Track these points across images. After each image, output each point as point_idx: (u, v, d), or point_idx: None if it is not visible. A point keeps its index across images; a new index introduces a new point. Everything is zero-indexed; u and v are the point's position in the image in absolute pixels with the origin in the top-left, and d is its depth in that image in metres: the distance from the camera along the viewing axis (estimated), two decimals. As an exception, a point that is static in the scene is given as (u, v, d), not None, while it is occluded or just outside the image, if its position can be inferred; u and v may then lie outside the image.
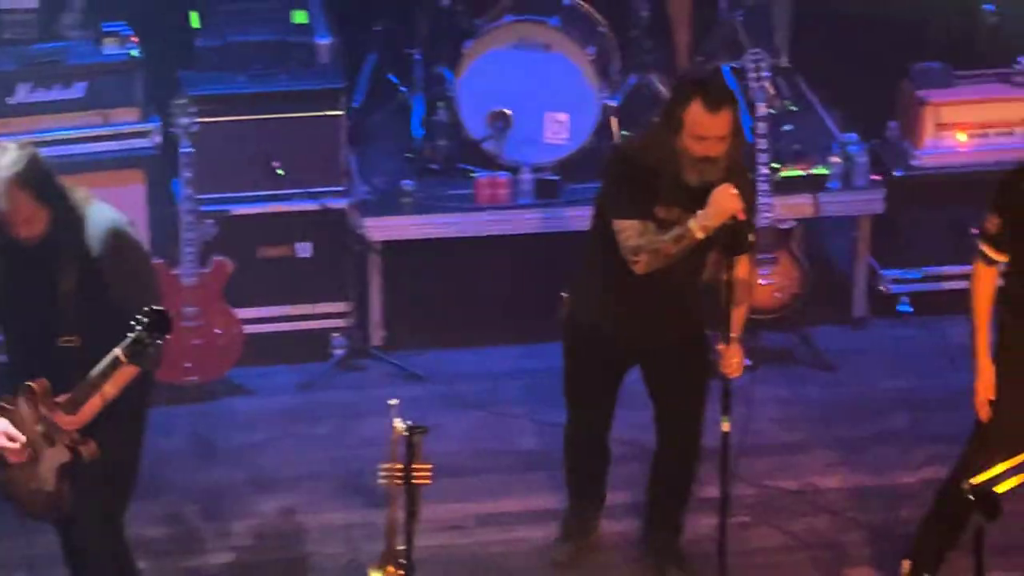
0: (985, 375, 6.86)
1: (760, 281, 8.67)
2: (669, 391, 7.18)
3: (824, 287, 9.19)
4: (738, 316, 6.90)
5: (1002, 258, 6.78)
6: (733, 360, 6.84)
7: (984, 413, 6.89)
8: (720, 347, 6.86)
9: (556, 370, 7.96)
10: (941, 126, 9.13)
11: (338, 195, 8.80)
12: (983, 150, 9.13)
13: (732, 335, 6.84)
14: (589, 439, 7.41)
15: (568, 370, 7.27)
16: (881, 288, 9.27)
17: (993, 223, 6.76)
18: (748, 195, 6.82)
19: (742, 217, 6.61)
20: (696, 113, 6.63)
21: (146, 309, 5.91)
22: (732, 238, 6.64)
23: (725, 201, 6.61)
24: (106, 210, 6.26)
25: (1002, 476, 6.12)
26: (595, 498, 7.57)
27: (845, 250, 9.44)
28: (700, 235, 6.66)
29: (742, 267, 6.84)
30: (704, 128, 6.63)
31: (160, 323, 5.92)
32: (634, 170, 6.80)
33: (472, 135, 9.08)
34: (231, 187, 8.75)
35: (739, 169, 6.91)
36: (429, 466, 6.49)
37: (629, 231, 6.74)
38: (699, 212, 6.63)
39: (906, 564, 7.28)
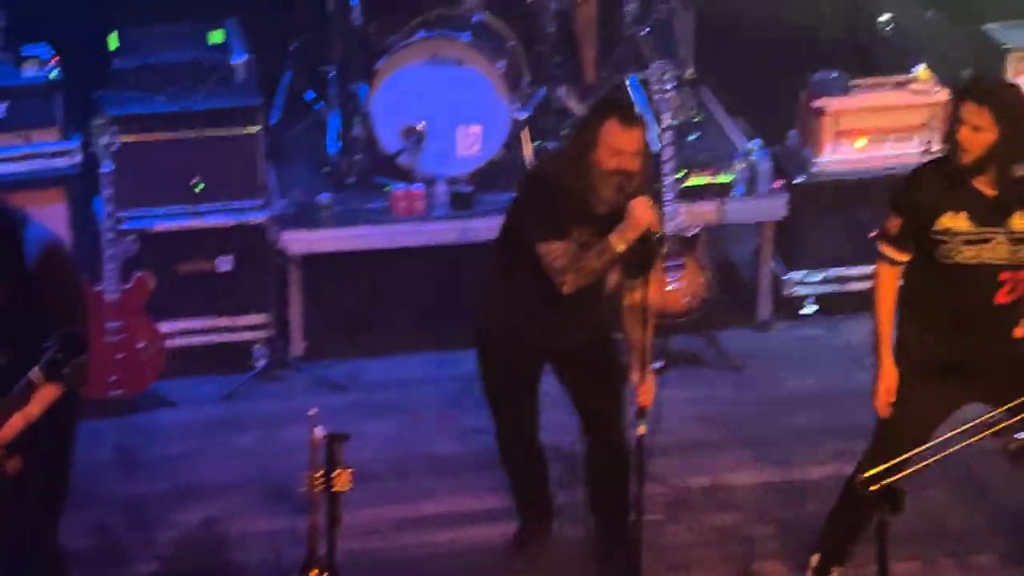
0: (887, 374, 6.91)
1: (669, 287, 8.72)
2: (586, 394, 7.19)
3: (730, 291, 9.26)
4: (643, 341, 6.95)
5: (903, 258, 6.83)
6: (648, 392, 6.89)
7: (885, 411, 6.94)
8: (635, 375, 6.90)
9: (472, 375, 7.97)
10: (840, 133, 9.19)
11: (257, 210, 8.78)
12: (881, 155, 9.20)
13: (637, 360, 6.91)
14: (518, 443, 7.40)
15: (485, 376, 7.27)
16: (785, 291, 9.32)
17: (894, 224, 6.81)
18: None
19: (655, 229, 6.66)
20: (612, 128, 6.69)
21: (60, 331, 5.86)
22: (645, 255, 6.70)
23: (642, 213, 6.65)
24: (42, 228, 6.22)
25: (894, 469, 6.20)
26: (541, 501, 7.58)
27: (750, 254, 9.50)
28: (620, 247, 6.70)
29: (648, 290, 6.89)
30: (619, 142, 6.68)
31: (73, 344, 5.86)
32: (551, 192, 6.83)
33: (387, 149, 9.08)
34: (152, 204, 8.72)
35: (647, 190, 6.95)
36: (350, 473, 6.48)
37: (555, 253, 6.77)
38: (618, 226, 6.66)
39: (815, 557, 7.31)
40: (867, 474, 6.09)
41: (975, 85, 6.83)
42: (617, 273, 7.01)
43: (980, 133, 6.59)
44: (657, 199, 7.04)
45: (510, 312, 7.06)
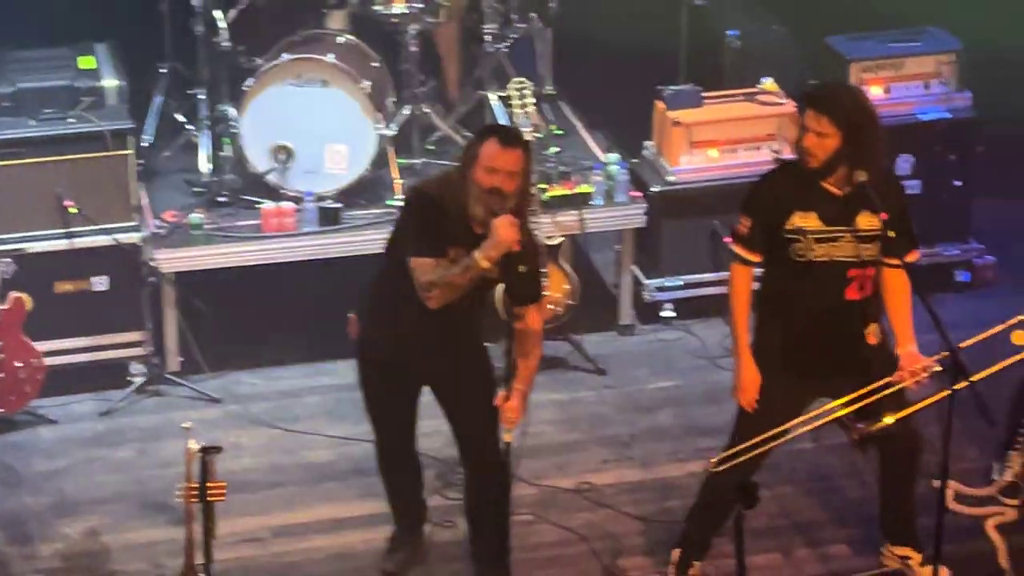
0: (747, 371, 6.91)
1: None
2: (460, 409, 7.12)
3: (593, 297, 9.23)
4: (526, 368, 6.90)
5: (755, 258, 6.84)
6: (513, 413, 6.83)
7: (749, 406, 6.93)
8: (501, 396, 6.86)
9: (344, 386, 7.96)
10: (693, 144, 9.21)
11: (130, 230, 8.65)
12: (733, 164, 9.22)
13: (517, 386, 6.85)
14: (396, 453, 7.32)
15: (365, 389, 7.18)
16: (645, 296, 9.32)
17: (745, 225, 6.83)
18: (533, 246, 6.92)
19: (516, 248, 6.62)
20: (490, 147, 6.66)
21: None
22: (522, 286, 6.73)
23: (504, 230, 6.60)
24: None
25: (745, 456, 6.23)
26: (416, 509, 7.50)
27: (611, 262, 9.49)
28: (484, 264, 6.64)
29: (532, 317, 6.86)
30: (496, 161, 6.63)
31: None
32: (429, 211, 6.77)
33: (257, 168, 8.99)
34: (27, 226, 8.56)
35: (527, 230, 6.88)
36: (223, 484, 6.41)
37: (423, 268, 6.71)
38: (483, 243, 6.62)
39: (676, 552, 7.31)
40: (718, 457, 6.13)
41: (816, 94, 6.87)
42: (505, 303, 7.00)
43: (824, 139, 6.64)
44: (535, 245, 6.97)
45: (388, 327, 6.98)
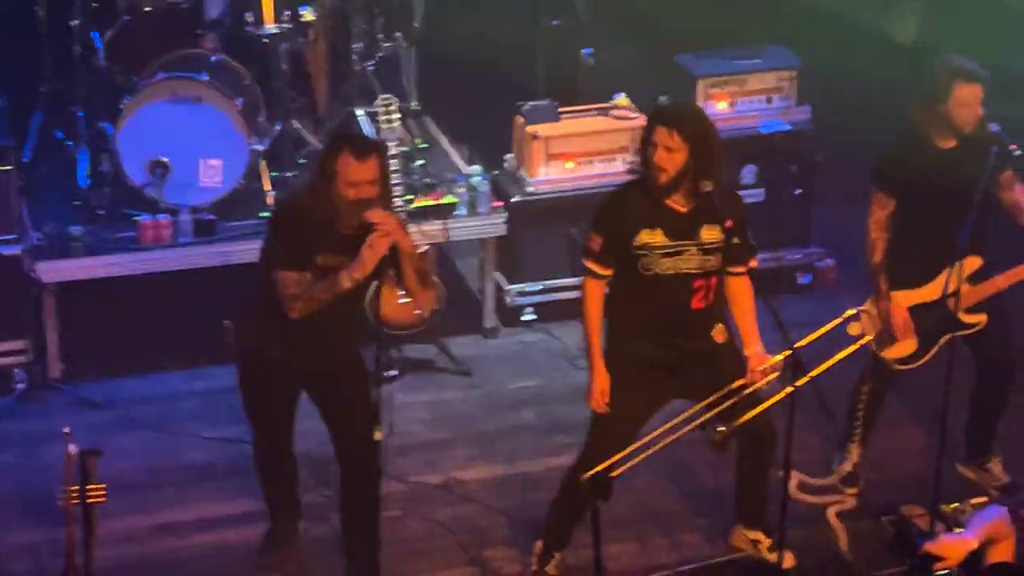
0: (599, 377, 6.93)
1: (401, 300, 8.67)
2: (336, 412, 7.10)
3: (458, 302, 9.23)
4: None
5: (606, 272, 6.87)
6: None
7: (602, 408, 6.96)
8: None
9: (221, 390, 7.89)
10: (551, 156, 9.24)
11: (11, 243, 8.53)
12: (589, 175, 9.26)
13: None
14: (274, 454, 7.28)
15: (244, 391, 7.13)
16: (507, 301, 9.34)
17: (595, 242, 6.85)
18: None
19: (406, 245, 6.68)
20: (346, 162, 6.63)
21: None
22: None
23: (369, 256, 6.61)
24: None
25: (617, 464, 6.25)
26: (291, 506, 7.45)
27: (475, 269, 9.50)
28: (348, 284, 6.65)
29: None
30: (355, 175, 6.62)
31: None
32: (294, 223, 6.76)
33: (134, 182, 8.90)
34: (-91, 240, 8.44)
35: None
36: (103, 486, 6.34)
37: (287, 282, 6.68)
38: (351, 264, 6.61)
39: (538, 543, 7.33)
40: (588, 473, 6.15)
41: (664, 111, 6.93)
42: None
43: (673, 153, 6.68)
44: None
45: (265, 334, 6.94)
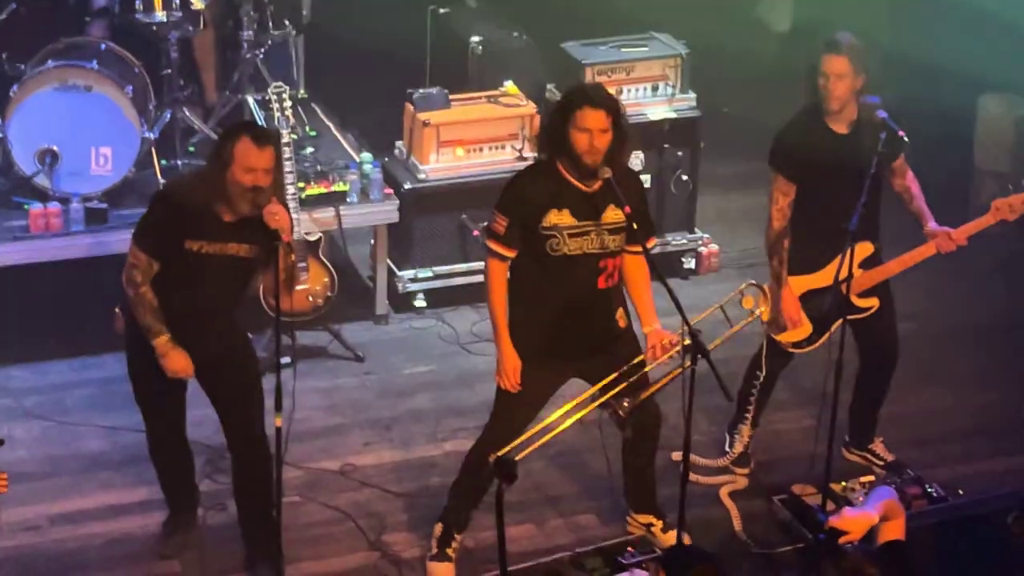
0: (508, 356, 6.97)
1: (297, 287, 8.68)
2: (225, 397, 7.10)
3: (350, 289, 9.25)
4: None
5: (511, 254, 6.91)
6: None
7: (515, 387, 6.99)
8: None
9: (112, 378, 7.83)
10: (442, 143, 9.27)
11: (-100, 232, 8.45)
12: (479, 162, 9.31)
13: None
14: (166, 441, 7.27)
15: (134, 381, 7.12)
16: (399, 287, 9.37)
17: (501, 224, 6.89)
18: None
19: (285, 224, 6.64)
20: (244, 147, 6.64)
21: None
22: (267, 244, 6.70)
23: (175, 362, 6.85)
24: None
25: (521, 446, 6.31)
26: (188, 494, 7.45)
27: (366, 256, 9.51)
28: (154, 345, 6.81)
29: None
30: (252, 161, 6.64)
31: None
32: (173, 206, 6.76)
33: (24, 171, 8.80)
34: None
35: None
36: (4, 475, 6.29)
37: (135, 260, 6.77)
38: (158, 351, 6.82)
39: (438, 526, 7.37)
40: (496, 454, 6.19)
41: (594, 92, 6.86)
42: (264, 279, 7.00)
43: (605, 134, 6.72)
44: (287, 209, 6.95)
45: None
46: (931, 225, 7.61)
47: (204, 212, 6.71)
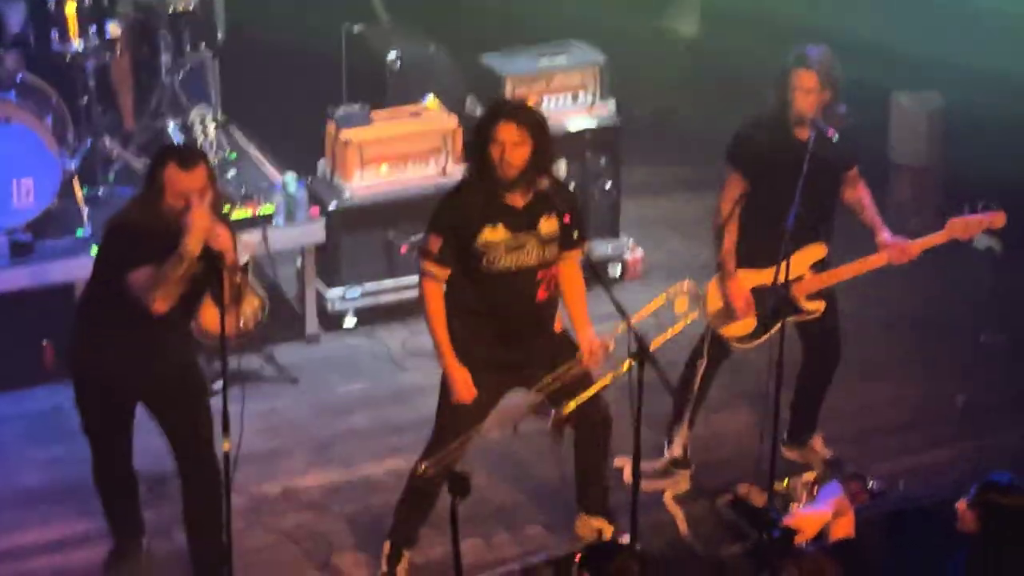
0: (456, 371, 6.95)
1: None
2: (173, 421, 7.04)
3: (280, 310, 9.20)
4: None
5: (445, 273, 6.91)
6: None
7: (469, 399, 6.97)
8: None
9: (45, 412, 7.74)
10: (365, 161, 9.25)
11: None
12: (404, 178, 9.29)
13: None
14: (113, 471, 7.19)
15: (82, 411, 7.03)
16: (328, 306, 9.33)
17: (434, 244, 6.88)
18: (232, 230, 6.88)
19: (225, 243, 6.61)
20: (172, 173, 6.59)
21: None
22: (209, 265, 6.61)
23: (198, 218, 6.53)
24: None
25: (451, 453, 6.30)
26: (134, 523, 7.37)
27: (291, 276, 9.47)
28: (185, 254, 6.52)
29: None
30: (182, 184, 6.58)
31: None
32: (132, 238, 6.67)
33: (-56, 206, 8.71)
34: None
35: (222, 217, 6.92)
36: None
37: (140, 279, 6.60)
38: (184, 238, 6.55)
39: (386, 545, 7.34)
40: (427, 463, 6.18)
41: (506, 106, 6.94)
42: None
43: (520, 147, 6.74)
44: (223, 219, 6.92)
45: (102, 349, 6.86)
46: (884, 236, 7.69)
47: (154, 238, 6.63)
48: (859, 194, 7.74)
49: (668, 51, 12.23)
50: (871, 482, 7.69)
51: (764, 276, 7.63)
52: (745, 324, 7.72)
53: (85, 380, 6.98)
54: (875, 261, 7.68)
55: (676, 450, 8.04)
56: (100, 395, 6.93)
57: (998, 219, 7.61)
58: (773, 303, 7.49)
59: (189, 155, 6.74)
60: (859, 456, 8.08)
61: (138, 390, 6.98)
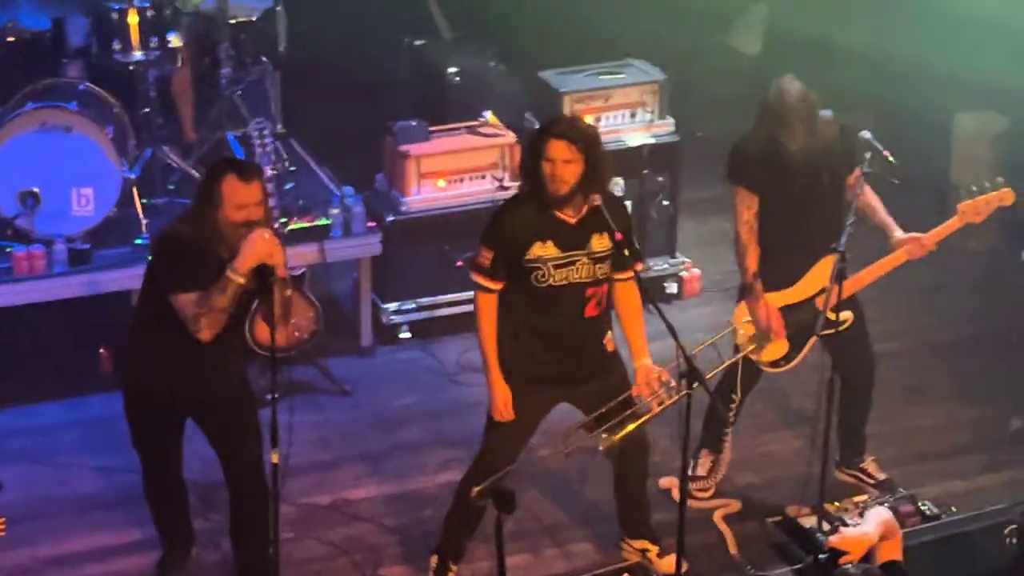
0: (500, 390, 6.97)
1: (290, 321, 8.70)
2: (224, 435, 7.07)
3: (335, 322, 9.24)
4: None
5: (497, 286, 6.93)
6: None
7: (503, 416, 6.99)
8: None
9: (100, 419, 7.80)
10: (423, 175, 9.29)
11: None
12: (460, 193, 9.33)
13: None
14: (163, 481, 7.24)
15: (132, 422, 7.08)
16: (383, 319, 9.37)
17: (486, 257, 6.91)
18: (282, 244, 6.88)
19: (279, 260, 6.62)
20: (232, 185, 6.63)
21: None
22: (268, 286, 6.64)
23: (255, 243, 6.58)
24: None
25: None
26: (183, 533, 7.42)
27: (351, 289, 9.51)
28: (238, 279, 6.58)
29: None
30: (242, 197, 6.63)
31: None
32: (185, 251, 6.70)
33: (5, 214, 8.78)
34: None
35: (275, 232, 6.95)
36: (2, 520, 6.27)
37: (186, 305, 6.65)
38: (234, 262, 6.58)
39: (433, 559, 7.37)
40: (478, 489, 6.20)
41: (559, 124, 6.94)
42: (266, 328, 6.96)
43: (571, 165, 6.75)
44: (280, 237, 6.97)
45: (149, 364, 6.92)
46: (898, 234, 7.63)
47: (206, 252, 6.68)
48: (867, 197, 7.68)
49: (731, 69, 12.20)
50: (923, 505, 7.63)
51: (787, 296, 7.59)
52: (778, 347, 7.67)
53: (135, 392, 7.03)
54: (894, 260, 7.59)
55: (699, 471, 8.01)
56: (150, 407, 6.99)
57: (1007, 196, 7.51)
58: (801, 322, 7.46)
59: (248, 168, 6.81)
60: (913, 479, 8.02)
61: (188, 402, 7.02)
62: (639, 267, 7.05)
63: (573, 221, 6.88)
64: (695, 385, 6.43)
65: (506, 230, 6.90)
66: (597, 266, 6.93)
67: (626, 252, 6.82)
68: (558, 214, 6.86)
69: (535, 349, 6.97)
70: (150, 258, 7.04)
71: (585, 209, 6.85)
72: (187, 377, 6.88)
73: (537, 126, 7.97)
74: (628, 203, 9.55)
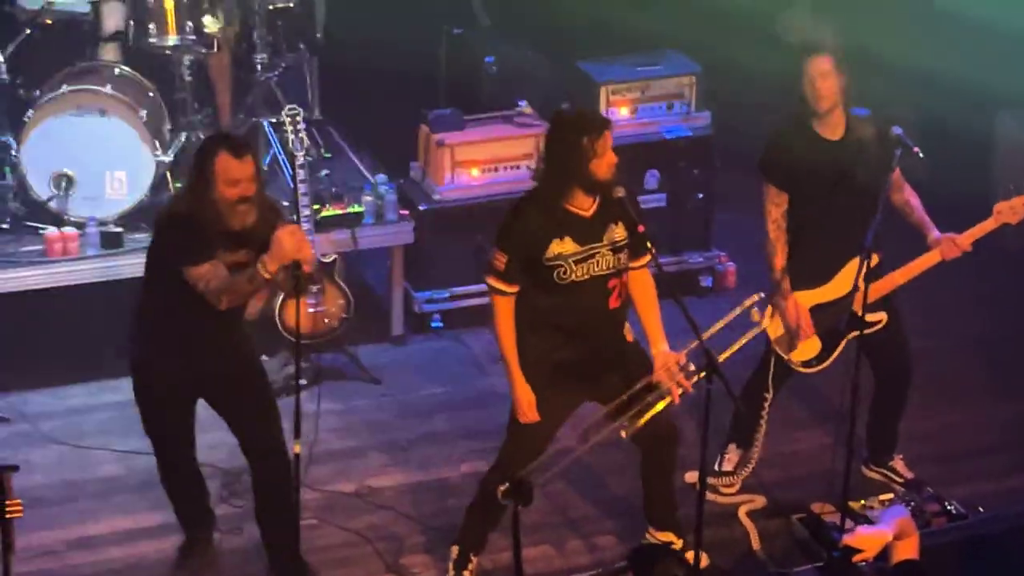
0: (522, 390, 6.95)
1: (310, 310, 8.71)
2: (240, 417, 7.09)
3: (366, 310, 9.25)
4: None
5: (513, 289, 6.88)
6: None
7: (532, 419, 6.98)
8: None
9: (128, 402, 7.78)
10: (457, 164, 9.29)
11: (-84, 258, 8.48)
12: (495, 183, 9.31)
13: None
14: (176, 466, 7.27)
15: (142, 407, 7.11)
16: (415, 308, 9.38)
17: (500, 261, 6.86)
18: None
19: (307, 255, 6.61)
20: (224, 162, 6.63)
21: None
22: (296, 281, 6.64)
23: (286, 242, 6.58)
24: None
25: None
26: (203, 518, 7.45)
27: (382, 277, 9.52)
28: (266, 275, 6.59)
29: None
30: (234, 173, 6.63)
31: None
32: (187, 225, 6.71)
33: (39, 196, 8.84)
34: None
35: (270, 205, 6.97)
36: (19, 501, 6.29)
37: (205, 276, 6.64)
38: (264, 256, 6.58)
39: (455, 549, 7.37)
40: (504, 484, 6.19)
41: (600, 115, 6.90)
42: (259, 300, 6.97)
43: (608, 155, 6.74)
44: (280, 216, 6.97)
45: (160, 345, 6.95)
46: (935, 234, 7.58)
47: (209, 227, 6.70)
48: (906, 196, 7.62)
49: (772, 62, 12.12)
50: (950, 505, 7.59)
51: (819, 294, 7.56)
52: (810, 346, 7.64)
53: (144, 381, 7.06)
54: (928, 260, 7.54)
55: (726, 466, 7.98)
56: (160, 395, 7.01)
57: None
58: (834, 320, 7.42)
59: (239, 143, 6.80)
60: (941, 478, 7.97)
61: (198, 387, 7.04)
62: (652, 252, 6.98)
63: (588, 214, 6.84)
64: (715, 379, 6.41)
65: (522, 232, 6.85)
66: (617, 256, 6.89)
67: (648, 244, 6.79)
68: (571, 209, 6.82)
69: (559, 346, 6.95)
70: (152, 241, 7.05)
71: (599, 202, 6.82)
72: (195, 362, 6.91)
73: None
74: (662, 196, 9.62)
